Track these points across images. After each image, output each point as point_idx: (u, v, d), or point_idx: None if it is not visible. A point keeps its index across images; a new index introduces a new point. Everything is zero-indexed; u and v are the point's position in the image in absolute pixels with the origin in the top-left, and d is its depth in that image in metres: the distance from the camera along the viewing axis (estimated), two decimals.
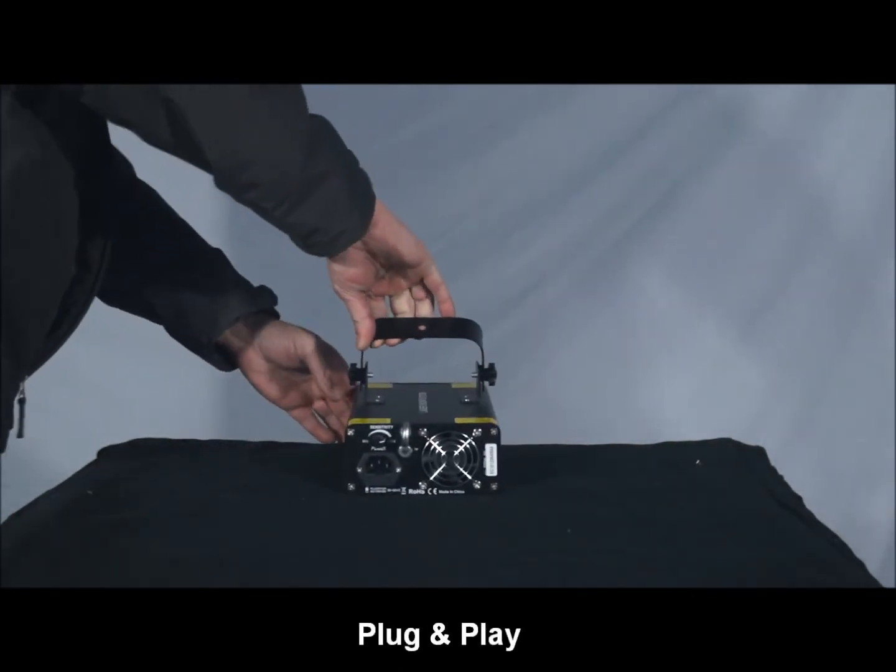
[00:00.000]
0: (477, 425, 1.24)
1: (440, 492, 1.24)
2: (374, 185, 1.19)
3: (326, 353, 1.36)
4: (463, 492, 1.24)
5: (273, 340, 1.36)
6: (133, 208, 1.35)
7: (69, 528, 1.16)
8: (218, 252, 1.41)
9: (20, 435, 1.23)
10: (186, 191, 1.38)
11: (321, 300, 1.39)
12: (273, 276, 1.44)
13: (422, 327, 1.32)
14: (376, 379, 1.37)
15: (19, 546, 1.10)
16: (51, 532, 1.15)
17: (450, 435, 1.23)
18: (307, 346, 1.35)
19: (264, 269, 1.46)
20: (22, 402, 1.22)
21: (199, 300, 1.35)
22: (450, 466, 1.23)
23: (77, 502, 1.23)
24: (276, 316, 1.40)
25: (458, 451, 1.23)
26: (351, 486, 1.24)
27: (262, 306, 1.38)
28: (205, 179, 1.11)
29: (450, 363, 1.74)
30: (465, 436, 1.23)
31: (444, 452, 1.23)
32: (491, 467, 1.24)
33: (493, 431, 1.24)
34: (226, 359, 1.39)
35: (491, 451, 1.24)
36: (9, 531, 1.15)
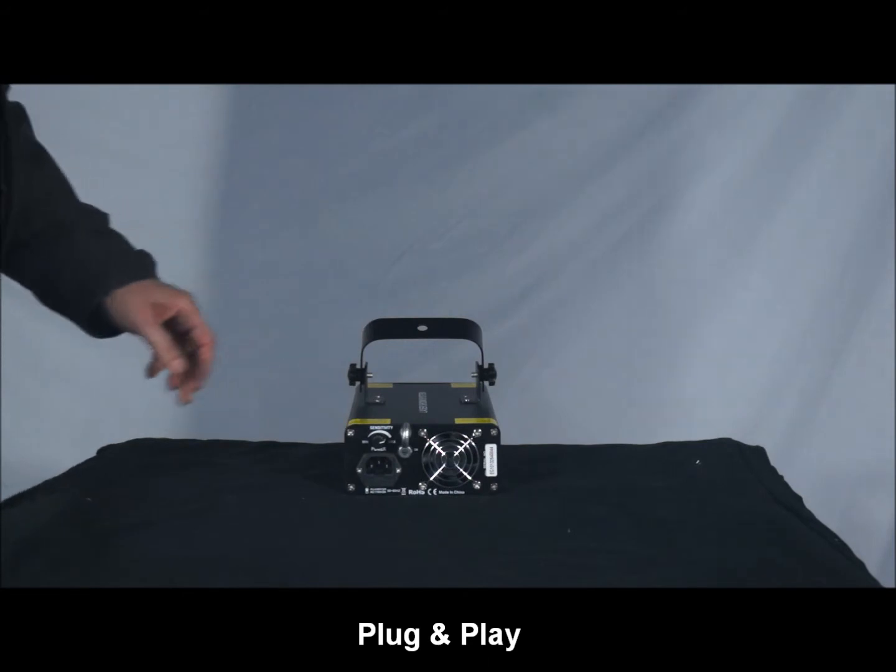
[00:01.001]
0: (477, 426, 1.24)
1: (440, 492, 1.24)
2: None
3: (181, 321, 1.30)
4: (463, 492, 1.24)
5: (120, 308, 1.30)
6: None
7: (69, 531, 1.16)
8: (103, 216, 1.37)
9: None
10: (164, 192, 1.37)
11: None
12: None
13: (422, 328, 1.32)
14: (376, 379, 1.37)
15: (18, 550, 1.10)
16: (50, 536, 1.15)
17: (450, 435, 1.23)
18: (137, 323, 1.29)
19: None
20: None
21: (91, 262, 1.31)
22: (450, 467, 1.23)
23: (76, 505, 1.23)
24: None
25: (458, 451, 1.23)
26: (351, 487, 1.24)
27: (152, 275, 1.33)
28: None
29: (450, 363, 1.74)
30: (465, 436, 1.23)
31: (444, 453, 1.23)
32: (491, 467, 1.24)
33: (493, 432, 1.24)
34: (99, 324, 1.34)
35: (491, 451, 1.24)
36: (7, 533, 1.15)
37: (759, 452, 1.42)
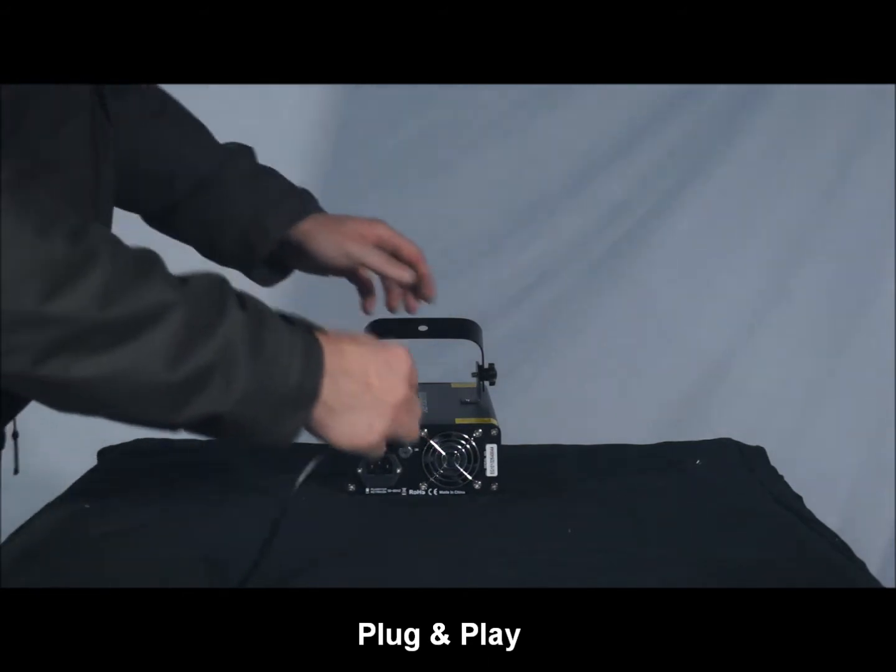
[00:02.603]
0: (477, 426, 1.24)
1: (440, 492, 1.24)
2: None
3: (381, 240, 1.29)
4: (463, 492, 1.24)
5: (319, 248, 1.28)
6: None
7: (69, 532, 1.16)
8: (247, 154, 1.34)
9: (16, 472, 1.22)
10: None
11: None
12: None
13: (422, 327, 1.32)
14: None
15: (20, 558, 1.11)
16: (50, 538, 1.15)
17: (450, 435, 1.23)
18: (357, 253, 1.27)
19: None
20: (16, 435, 1.20)
21: (246, 211, 1.29)
22: (450, 467, 1.23)
23: (76, 508, 1.23)
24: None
25: (459, 451, 1.23)
26: (351, 487, 1.24)
27: (312, 212, 1.31)
28: None
29: (450, 363, 1.74)
30: (466, 436, 1.23)
31: (444, 453, 1.23)
32: (491, 467, 1.24)
33: (494, 432, 1.24)
34: (276, 271, 1.34)
35: (491, 451, 1.24)
36: (9, 545, 1.15)
37: (759, 452, 1.42)
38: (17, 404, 1.16)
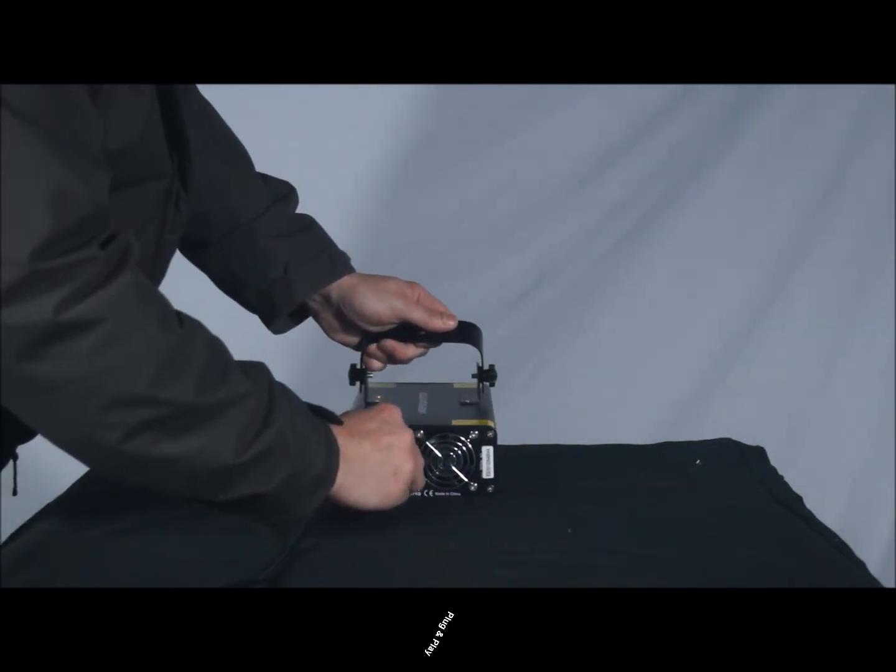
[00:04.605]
0: (474, 427, 1.24)
1: (437, 493, 1.24)
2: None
3: (418, 300, 1.32)
4: (459, 494, 1.24)
5: (365, 304, 1.31)
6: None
7: (70, 537, 1.16)
8: (286, 203, 1.35)
9: (15, 493, 1.23)
10: None
11: None
12: None
13: (421, 332, 1.32)
14: (377, 379, 1.37)
15: (20, 558, 1.11)
16: (52, 544, 1.15)
17: (447, 437, 1.23)
18: (402, 309, 1.31)
19: None
20: (15, 457, 1.22)
21: (273, 270, 1.31)
22: (446, 468, 1.23)
23: (77, 512, 1.23)
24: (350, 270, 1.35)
25: (455, 453, 1.23)
26: None
27: (342, 274, 1.33)
28: None
29: (453, 362, 1.74)
30: (462, 438, 1.23)
31: (440, 454, 1.23)
32: (487, 469, 1.24)
33: (490, 434, 1.23)
34: (292, 319, 1.35)
35: (487, 453, 1.23)
36: (9, 546, 1.15)
37: (759, 452, 1.42)
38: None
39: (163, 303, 0.96)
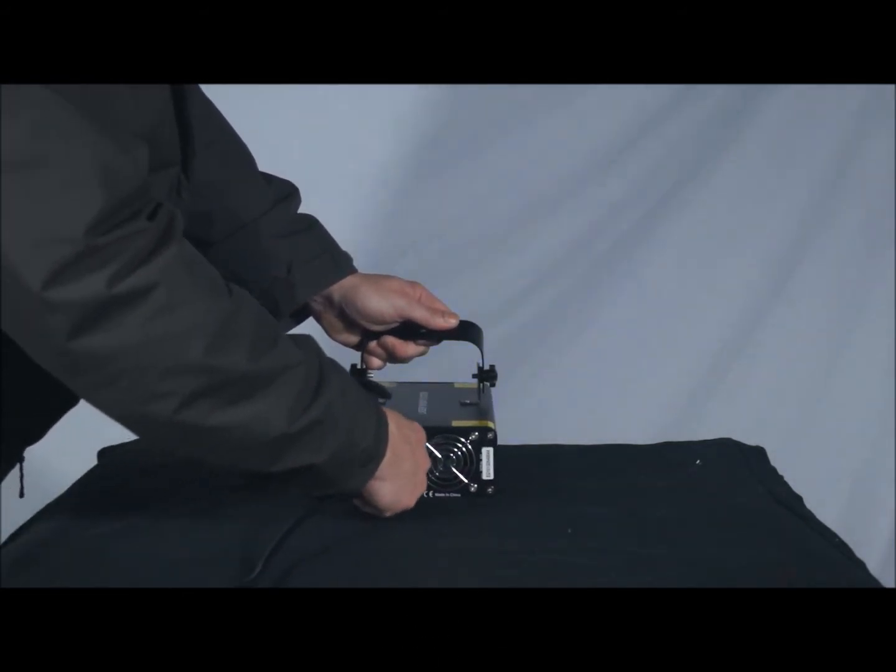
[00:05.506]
0: (474, 428, 1.23)
1: (436, 494, 1.23)
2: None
3: (420, 299, 1.32)
4: (459, 495, 1.24)
5: (367, 303, 1.31)
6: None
7: (70, 537, 1.16)
8: (288, 203, 1.35)
9: (21, 495, 1.24)
10: None
11: None
12: None
13: (422, 330, 1.32)
14: (377, 378, 1.37)
15: (20, 558, 1.11)
16: (52, 544, 1.15)
17: (446, 438, 1.23)
18: (404, 307, 1.31)
19: None
20: (21, 460, 1.22)
21: (275, 270, 1.31)
22: (446, 469, 1.23)
23: (77, 511, 1.23)
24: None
25: (455, 454, 1.23)
26: None
27: (345, 274, 1.33)
28: None
29: (453, 363, 1.74)
30: (462, 439, 1.23)
31: (440, 455, 1.23)
32: (487, 470, 1.24)
33: (490, 435, 1.23)
34: (293, 319, 1.35)
35: (487, 454, 1.23)
36: (9, 546, 1.15)
37: (759, 452, 1.42)
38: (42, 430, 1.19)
39: (212, 272, 0.97)
